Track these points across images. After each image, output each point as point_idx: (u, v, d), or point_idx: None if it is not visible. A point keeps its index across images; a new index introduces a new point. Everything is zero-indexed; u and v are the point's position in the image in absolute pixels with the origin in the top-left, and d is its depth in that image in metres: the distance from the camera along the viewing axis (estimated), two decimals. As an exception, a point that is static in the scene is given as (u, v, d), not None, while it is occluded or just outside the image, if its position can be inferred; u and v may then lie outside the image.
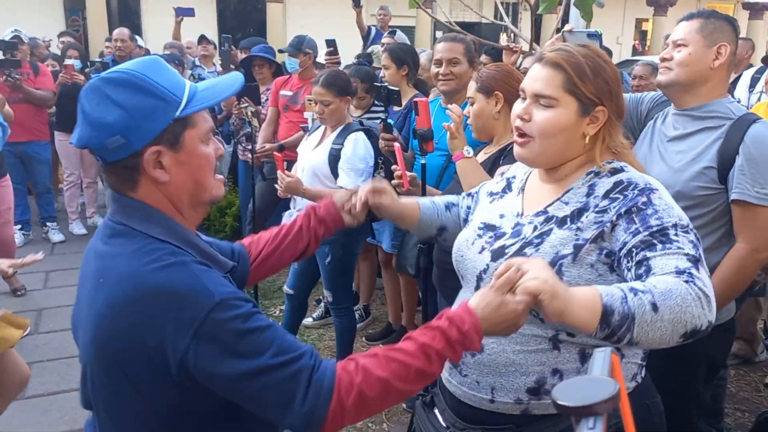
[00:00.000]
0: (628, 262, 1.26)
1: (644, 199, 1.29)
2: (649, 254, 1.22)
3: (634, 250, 1.25)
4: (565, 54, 1.37)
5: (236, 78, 1.28)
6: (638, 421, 1.23)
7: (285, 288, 3.56)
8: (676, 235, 1.24)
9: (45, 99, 5.38)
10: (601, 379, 0.58)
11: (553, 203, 1.41)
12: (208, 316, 1.08)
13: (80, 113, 1.15)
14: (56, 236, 5.70)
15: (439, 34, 15.17)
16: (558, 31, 3.64)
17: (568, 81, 1.35)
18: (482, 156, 2.33)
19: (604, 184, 1.36)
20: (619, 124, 1.42)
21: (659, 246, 1.22)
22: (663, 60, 2.04)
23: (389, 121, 2.81)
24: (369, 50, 5.09)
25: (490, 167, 2.20)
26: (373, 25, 7.32)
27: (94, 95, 1.14)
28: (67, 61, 5.47)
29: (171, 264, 1.12)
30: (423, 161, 2.34)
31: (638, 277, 1.21)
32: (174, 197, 1.20)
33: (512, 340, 1.37)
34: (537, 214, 1.42)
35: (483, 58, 4.23)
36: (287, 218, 3.31)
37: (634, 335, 1.13)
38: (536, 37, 4.27)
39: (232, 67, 5.57)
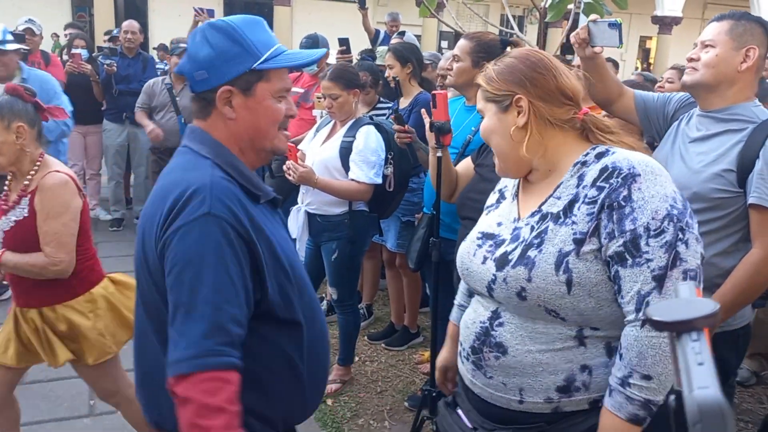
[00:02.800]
0: (607, 270, 1.31)
1: (624, 192, 1.27)
2: (620, 270, 1.28)
3: (610, 261, 1.29)
4: (481, 72, 1.49)
5: (317, 52, 1.47)
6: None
7: (290, 283, 3.54)
8: (646, 243, 1.25)
9: None
10: (697, 299, 0.57)
11: (546, 201, 1.40)
12: (195, 218, 1.21)
13: (187, 47, 1.40)
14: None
15: (444, 43, 15.26)
16: (564, 45, 3.66)
17: (482, 91, 1.47)
18: None
19: (592, 171, 1.34)
20: (554, 103, 1.39)
21: (629, 260, 1.26)
22: (690, 60, 2.02)
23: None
24: (378, 51, 5.11)
25: None
26: (381, 29, 7.35)
27: (199, 34, 1.34)
28: (74, 50, 5.47)
29: (201, 171, 1.29)
30: (439, 154, 2.32)
31: (615, 291, 1.31)
32: (236, 135, 1.36)
33: (537, 340, 1.36)
34: (532, 215, 1.41)
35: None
36: (295, 213, 3.30)
37: (659, 399, 1.25)
38: (543, 47, 4.28)
39: None
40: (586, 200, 1.32)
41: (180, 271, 1.19)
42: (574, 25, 4.20)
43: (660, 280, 1.24)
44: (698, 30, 17.00)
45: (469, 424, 1.50)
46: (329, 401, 3.31)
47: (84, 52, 5.45)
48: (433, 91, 2.38)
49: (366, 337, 4.00)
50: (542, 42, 4.55)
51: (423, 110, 2.44)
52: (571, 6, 3.97)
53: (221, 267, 1.19)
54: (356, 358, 3.64)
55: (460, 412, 1.55)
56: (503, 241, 1.44)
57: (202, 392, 1.14)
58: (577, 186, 1.36)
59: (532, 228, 1.39)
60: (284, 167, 3.10)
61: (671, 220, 1.25)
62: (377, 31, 7.66)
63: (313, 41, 4.53)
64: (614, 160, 1.33)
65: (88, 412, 3.05)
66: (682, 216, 1.26)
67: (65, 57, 5.86)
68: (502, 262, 1.39)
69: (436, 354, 2.79)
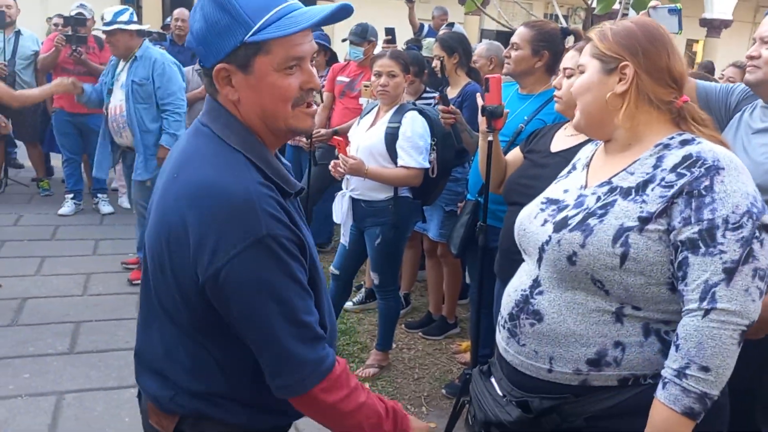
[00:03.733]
0: (673, 253, 1.30)
1: (706, 182, 1.27)
2: (690, 257, 1.27)
3: (680, 245, 1.28)
4: (596, 27, 1.48)
5: (323, 9, 1.15)
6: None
7: (331, 268, 3.59)
8: (723, 235, 1.25)
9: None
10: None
11: (618, 174, 1.41)
12: (251, 244, 1.09)
13: None
14: (105, 208, 5.82)
15: (485, 41, 15.18)
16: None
17: (591, 46, 1.45)
18: (570, 141, 2.22)
19: (673, 156, 1.34)
20: (659, 82, 1.38)
21: (702, 249, 1.26)
22: (750, 58, 1.99)
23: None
24: (423, 41, 5.13)
25: None
26: (426, 22, 7.35)
27: (197, 4, 1.17)
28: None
29: (239, 177, 1.13)
30: (490, 138, 2.33)
31: (677, 277, 1.30)
32: (245, 117, 1.20)
33: (573, 310, 1.37)
34: (601, 185, 1.42)
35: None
36: (339, 199, 3.35)
37: (715, 393, 1.25)
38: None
39: None
40: (663, 183, 1.32)
41: (249, 303, 1.13)
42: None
43: (730, 273, 1.24)
44: (749, 34, 16.58)
45: (499, 392, 1.53)
46: (367, 385, 3.32)
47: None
48: (486, 75, 2.39)
49: (403, 326, 4.03)
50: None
51: (477, 94, 2.45)
52: (616, 6, 3.94)
53: (289, 282, 1.15)
54: (393, 345, 3.67)
55: (492, 380, 1.57)
56: (566, 206, 1.46)
57: (332, 393, 1.21)
58: (654, 167, 1.36)
59: (598, 198, 1.40)
60: (332, 163, 3.14)
61: (750, 216, 1.26)
62: (421, 25, 7.67)
63: (362, 29, 4.57)
64: (699, 149, 1.33)
65: (135, 383, 3.13)
66: (760, 215, 1.27)
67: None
68: (560, 225, 1.41)
69: (478, 341, 2.83)
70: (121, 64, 4.29)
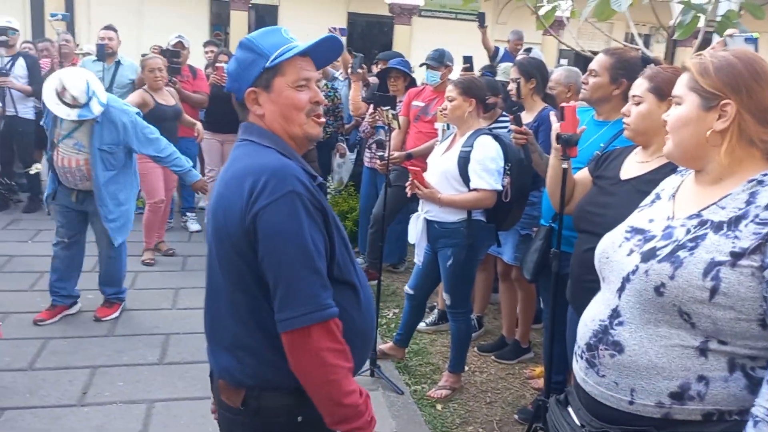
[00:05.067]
0: (766, 290, 1.27)
1: None
2: None
3: None
4: (695, 58, 1.44)
5: (314, 40, 1.53)
6: None
7: (406, 288, 3.67)
8: None
9: (201, 102, 5.93)
10: None
11: (708, 207, 1.38)
12: (283, 195, 1.39)
13: None
14: (194, 226, 6.15)
15: (564, 61, 14.99)
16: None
17: (690, 79, 1.41)
18: (641, 168, 2.22)
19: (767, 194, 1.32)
20: (762, 122, 1.34)
21: None
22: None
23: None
24: (499, 67, 5.17)
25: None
26: (502, 46, 7.39)
27: (232, 57, 1.56)
28: (218, 64, 5.95)
29: (276, 158, 1.47)
30: (565, 166, 2.36)
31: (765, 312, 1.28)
32: (270, 127, 1.54)
33: (655, 343, 1.36)
34: (690, 217, 1.40)
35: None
36: (415, 220, 3.43)
37: None
38: (671, 64, 4.16)
39: (364, 85, 5.80)
40: (757, 220, 1.30)
41: (276, 242, 1.39)
42: (705, 44, 4.07)
43: None
44: None
45: (578, 422, 1.52)
46: (438, 406, 3.39)
47: (226, 66, 5.89)
48: (562, 104, 2.42)
49: (476, 348, 4.05)
50: (670, 60, 4.43)
51: (552, 113, 2.46)
52: (700, 25, 3.85)
53: (308, 235, 1.40)
54: (466, 368, 3.70)
55: (570, 409, 1.57)
56: (653, 236, 1.45)
57: (328, 339, 1.40)
58: (747, 203, 1.34)
59: (688, 230, 1.39)
60: (407, 185, 3.26)
61: None
62: (496, 48, 7.71)
63: (439, 54, 4.68)
64: None
65: (218, 394, 3.30)
66: None
67: (209, 71, 6.36)
68: (648, 256, 1.40)
69: (551, 367, 2.82)
70: (64, 110, 3.68)
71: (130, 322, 4.11)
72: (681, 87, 1.44)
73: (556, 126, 2.43)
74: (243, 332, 1.48)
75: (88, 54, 6.45)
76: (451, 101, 3.27)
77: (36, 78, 6.18)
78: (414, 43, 14.26)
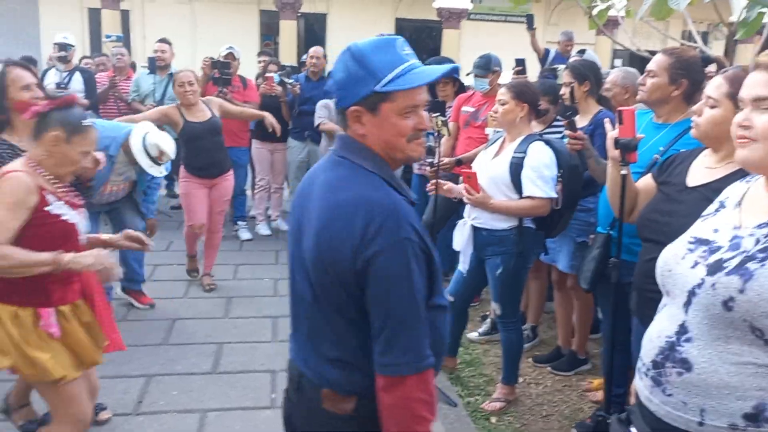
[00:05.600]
0: None
1: None
2: None
3: None
4: None
5: (438, 69, 1.47)
6: None
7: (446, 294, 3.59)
8: None
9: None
10: None
11: None
12: (396, 242, 1.36)
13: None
14: (245, 234, 6.21)
15: (618, 62, 14.63)
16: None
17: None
18: (709, 175, 2.10)
19: None
20: None
21: None
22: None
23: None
24: (559, 69, 5.05)
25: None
26: (553, 47, 7.25)
27: (341, 57, 1.46)
28: (268, 74, 6.01)
29: (386, 192, 1.43)
30: (624, 171, 2.26)
31: None
32: (371, 146, 1.49)
33: (727, 360, 1.29)
34: (760, 226, 1.33)
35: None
36: (461, 227, 3.36)
37: None
38: (730, 64, 3.98)
39: None
40: None
41: (388, 289, 1.38)
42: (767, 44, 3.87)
43: None
44: None
45: None
46: (493, 419, 3.30)
47: (276, 77, 5.96)
48: (620, 107, 2.33)
49: (531, 359, 3.94)
50: (731, 59, 4.24)
51: (607, 120, 2.38)
52: (765, 20, 3.67)
53: (417, 282, 1.39)
54: (520, 380, 3.60)
55: (633, 429, 1.51)
56: (719, 247, 1.38)
57: (420, 390, 1.40)
58: None
59: (758, 240, 1.32)
60: (464, 191, 3.19)
61: None
62: (546, 50, 7.57)
63: (485, 61, 4.59)
64: None
65: (270, 404, 3.31)
66: None
67: (259, 81, 6.43)
68: (714, 268, 1.33)
69: (611, 380, 2.71)
70: (158, 170, 3.97)
71: (184, 330, 4.16)
72: (765, 87, 1.35)
73: (613, 132, 2.33)
74: (345, 350, 1.50)
75: (144, 67, 6.61)
76: (503, 105, 3.19)
77: (92, 92, 6.37)
78: (463, 48, 14.17)
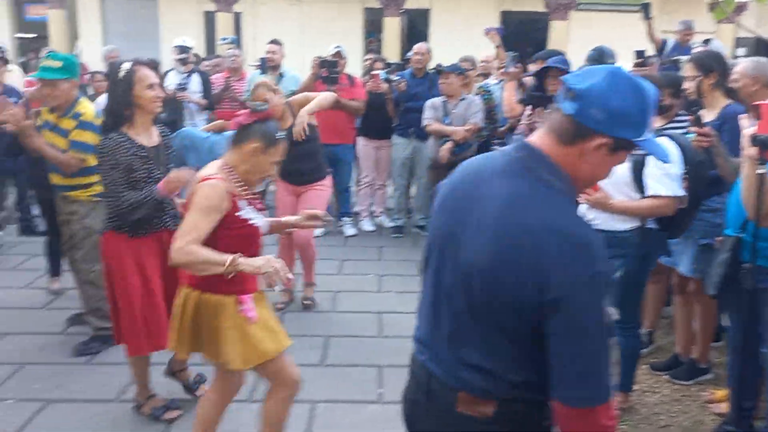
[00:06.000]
0: None
1: None
2: None
3: None
4: None
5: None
6: None
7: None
8: None
9: (357, 109, 6.01)
10: None
11: None
12: (591, 276, 1.33)
13: (598, 80, 1.39)
14: (349, 230, 6.32)
15: (741, 50, 13.66)
16: None
17: None
18: None
19: None
20: None
21: None
22: None
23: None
24: (681, 60, 4.78)
25: None
26: (670, 37, 6.85)
27: (624, 80, 1.39)
28: (374, 72, 6.07)
29: (578, 220, 1.41)
30: (761, 170, 2.09)
31: None
32: (575, 174, 1.44)
33: None
34: None
35: None
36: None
37: None
38: None
39: (518, 85, 5.62)
40: None
41: (583, 322, 1.36)
42: None
43: None
44: None
45: None
46: (606, 427, 3.16)
47: (382, 74, 6.02)
48: (757, 102, 2.15)
49: (647, 367, 3.75)
50: None
51: (742, 117, 2.21)
52: None
53: (605, 315, 1.38)
54: (635, 387, 3.43)
55: None
56: None
57: (607, 417, 1.40)
58: None
59: None
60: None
61: None
62: (664, 41, 7.15)
63: (598, 53, 4.43)
64: None
65: (377, 398, 3.35)
66: None
67: (365, 78, 6.51)
68: None
69: (741, 392, 2.53)
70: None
71: (293, 323, 4.28)
72: None
73: (749, 129, 2.16)
74: (494, 362, 1.48)
75: (253, 66, 6.88)
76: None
77: (209, 92, 6.70)
78: (571, 40, 13.66)
